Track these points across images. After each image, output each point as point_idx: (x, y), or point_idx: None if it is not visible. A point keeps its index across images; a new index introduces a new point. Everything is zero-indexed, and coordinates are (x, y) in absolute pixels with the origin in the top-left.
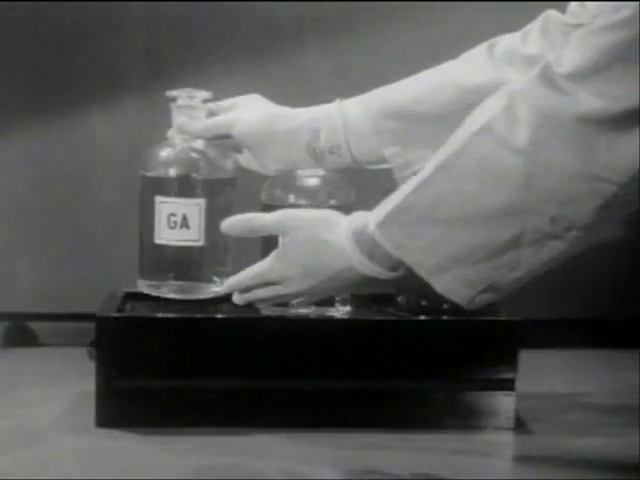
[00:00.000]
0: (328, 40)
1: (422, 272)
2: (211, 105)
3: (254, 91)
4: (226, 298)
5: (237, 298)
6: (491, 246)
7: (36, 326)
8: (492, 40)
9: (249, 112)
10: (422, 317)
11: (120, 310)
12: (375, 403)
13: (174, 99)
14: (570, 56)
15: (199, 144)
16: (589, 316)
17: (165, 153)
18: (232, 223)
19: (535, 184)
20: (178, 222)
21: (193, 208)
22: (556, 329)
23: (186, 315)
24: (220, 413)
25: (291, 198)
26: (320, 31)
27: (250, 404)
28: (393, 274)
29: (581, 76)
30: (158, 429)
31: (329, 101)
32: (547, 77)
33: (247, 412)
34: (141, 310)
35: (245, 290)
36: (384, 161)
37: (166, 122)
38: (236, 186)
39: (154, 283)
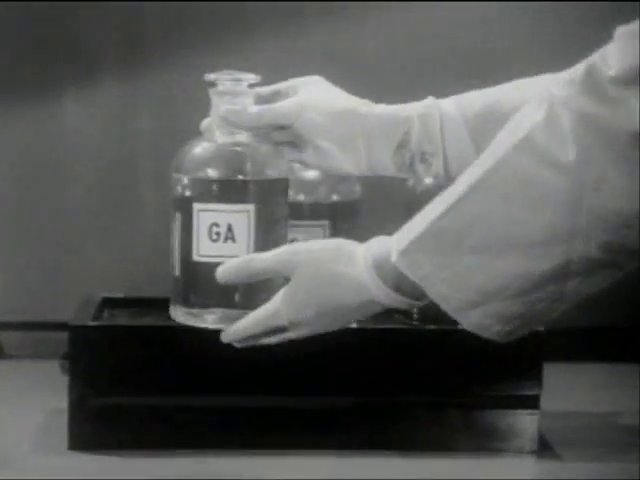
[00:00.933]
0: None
1: (449, 308)
2: (260, 90)
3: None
4: None
5: (240, 346)
6: (531, 277)
7: (2, 336)
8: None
9: (317, 101)
10: (434, 326)
11: (96, 318)
12: (380, 422)
13: (213, 84)
14: (618, 56)
15: (245, 137)
16: (616, 325)
17: (203, 150)
18: (226, 269)
19: (583, 206)
20: (222, 234)
21: (240, 217)
22: (581, 339)
23: (172, 324)
24: (209, 434)
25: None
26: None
27: (242, 423)
28: (420, 303)
29: (632, 80)
30: (138, 452)
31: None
32: (593, 81)
33: (239, 433)
34: (121, 318)
35: (248, 339)
36: None
37: (147, 107)
38: (288, 190)
39: (193, 311)
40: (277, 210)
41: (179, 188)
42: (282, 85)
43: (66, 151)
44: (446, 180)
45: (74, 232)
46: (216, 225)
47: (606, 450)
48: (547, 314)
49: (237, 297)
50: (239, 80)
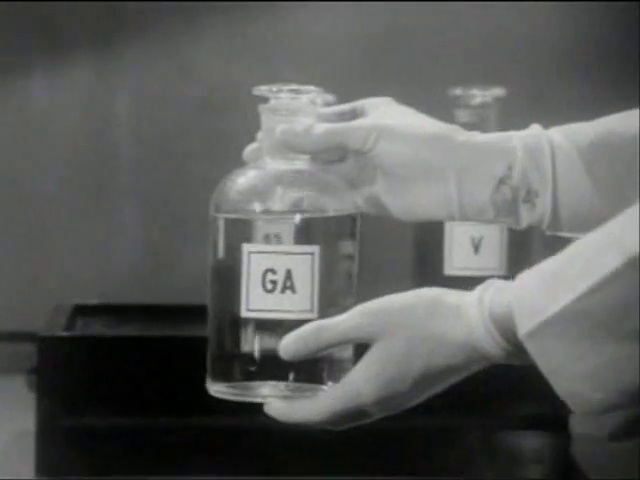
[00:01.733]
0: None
1: (579, 408)
2: (323, 110)
3: (230, 52)
4: None
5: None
6: None
7: None
8: None
9: (398, 124)
10: None
11: (68, 328)
12: (394, 445)
13: (265, 99)
14: None
15: (304, 164)
16: None
17: (253, 180)
18: (293, 342)
19: None
20: (279, 282)
21: (302, 260)
22: None
23: (154, 334)
24: (195, 458)
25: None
26: None
27: (235, 447)
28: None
29: None
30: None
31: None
32: None
33: (231, 457)
34: (95, 327)
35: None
36: (587, 222)
37: (125, 90)
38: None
39: (239, 384)
40: (345, 254)
41: (223, 228)
42: (345, 107)
43: (34, 141)
44: (552, 222)
45: (43, 232)
46: (272, 271)
47: None
48: None
49: (296, 367)
50: (298, 93)
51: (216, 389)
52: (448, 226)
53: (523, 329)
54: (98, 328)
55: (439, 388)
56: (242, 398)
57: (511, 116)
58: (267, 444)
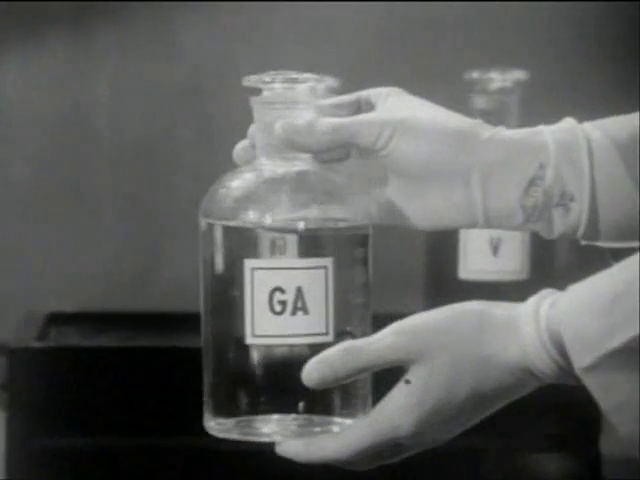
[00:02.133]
0: None
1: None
2: (325, 102)
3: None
4: None
5: None
6: None
7: None
8: None
9: (414, 118)
10: None
11: (41, 338)
12: (412, 466)
13: (257, 90)
14: None
15: (307, 165)
16: None
17: (248, 186)
18: (318, 366)
19: None
20: (289, 303)
21: (314, 276)
22: None
23: (133, 344)
24: None
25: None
26: None
27: (226, 469)
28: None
29: None
30: None
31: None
32: None
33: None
34: (72, 338)
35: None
36: (628, 230)
37: (103, 72)
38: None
39: (242, 419)
40: (358, 267)
41: (220, 241)
42: (348, 97)
43: (3, 127)
44: (588, 230)
45: (11, 232)
46: (280, 290)
47: None
48: None
49: (307, 398)
50: (294, 82)
51: (216, 426)
52: None
53: (580, 363)
54: (74, 338)
55: (483, 416)
56: (247, 437)
57: (534, 103)
58: (248, 467)
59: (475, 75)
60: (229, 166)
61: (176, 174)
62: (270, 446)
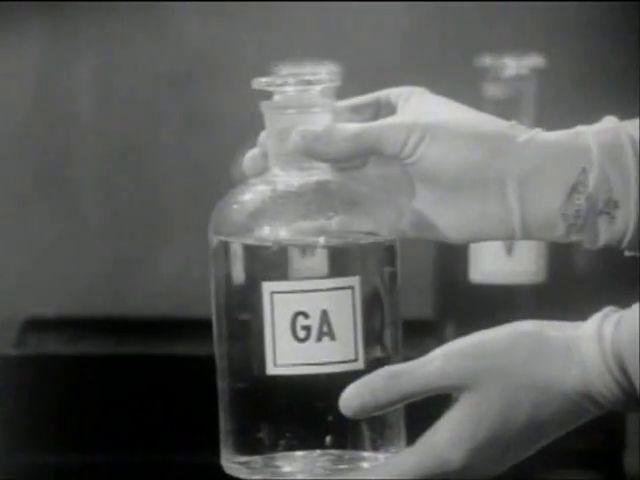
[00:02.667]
0: None
1: None
2: (341, 104)
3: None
4: None
5: None
6: None
7: None
8: None
9: (442, 121)
10: None
11: (20, 345)
12: None
13: (267, 94)
14: None
15: (327, 175)
16: None
17: (264, 200)
18: (358, 393)
19: None
20: (314, 328)
21: (340, 297)
22: None
23: (123, 351)
24: None
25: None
26: None
27: None
28: None
29: None
30: None
31: None
32: None
33: None
34: (52, 344)
35: None
36: None
37: (85, 62)
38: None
39: (264, 457)
40: (387, 286)
41: (230, 260)
42: (366, 98)
43: None
44: (633, 239)
45: None
46: (303, 315)
47: None
48: None
49: (334, 432)
50: (309, 84)
51: (233, 466)
52: None
53: None
54: (55, 345)
55: (538, 447)
56: (268, 477)
57: (552, 91)
58: None
59: (487, 61)
60: (218, 159)
61: (165, 170)
62: None
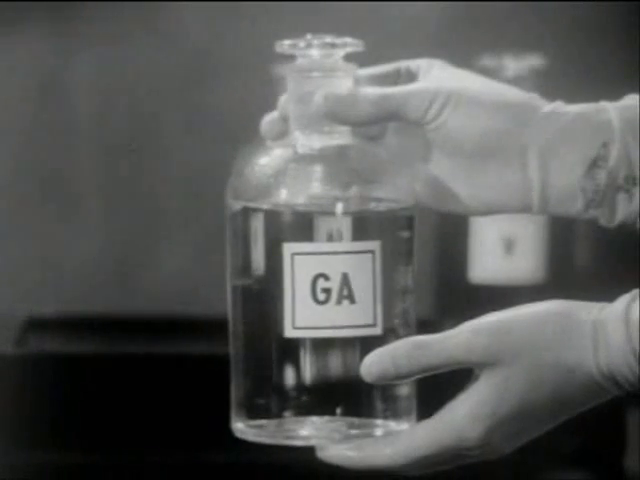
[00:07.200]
0: None
1: None
2: (361, 72)
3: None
4: None
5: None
6: None
7: None
8: None
9: (464, 89)
10: None
11: (19, 344)
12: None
13: (287, 56)
14: None
15: (346, 139)
16: None
17: (285, 163)
18: (380, 360)
19: None
20: (334, 291)
21: (361, 261)
22: None
23: (123, 351)
24: None
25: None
26: None
27: None
28: None
29: None
30: None
31: None
32: None
33: None
34: (52, 344)
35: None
36: None
37: (86, 54)
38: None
39: (275, 421)
40: (404, 252)
41: (248, 223)
42: (386, 67)
43: None
44: None
45: None
46: (324, 277)
47: None
48: None
49: (348, 398)
50: (333, 47)
51: (245, 429)
52: (475, 222)
53: None
54: (55, 345)
55: (553, 425)
56: (282, 441)
57: (552, 92)
58: None
59: (486, 61)
60: (218, 159)
61: (166, 167)
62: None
